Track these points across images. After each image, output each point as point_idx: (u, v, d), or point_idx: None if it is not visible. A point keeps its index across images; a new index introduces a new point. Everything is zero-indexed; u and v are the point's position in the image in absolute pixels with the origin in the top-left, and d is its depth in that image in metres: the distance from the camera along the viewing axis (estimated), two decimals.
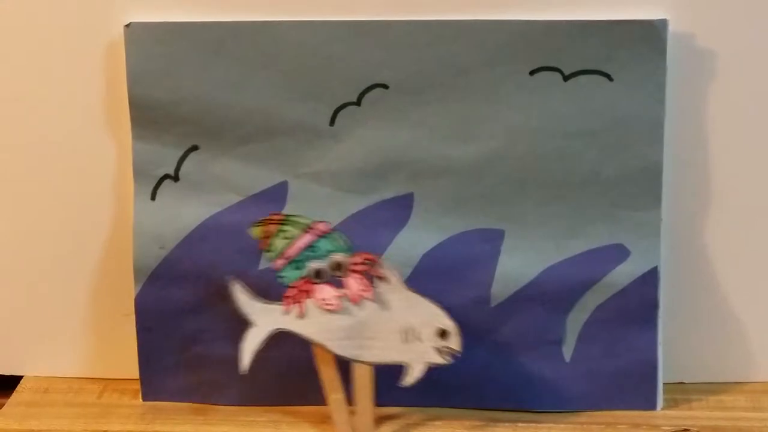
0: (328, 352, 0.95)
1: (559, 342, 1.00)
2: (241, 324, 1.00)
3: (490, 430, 0.99)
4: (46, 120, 1.01)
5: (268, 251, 0.95)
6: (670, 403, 1.02)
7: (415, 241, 0.99)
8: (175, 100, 0.97)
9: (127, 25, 0.96)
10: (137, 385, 1.03)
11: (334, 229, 0.94)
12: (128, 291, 1.01)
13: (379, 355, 0.95)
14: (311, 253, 0.94)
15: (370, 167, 0.98)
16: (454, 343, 0.94)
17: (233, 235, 0.99)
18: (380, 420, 1.01)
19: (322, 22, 0.96)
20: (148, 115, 0.98)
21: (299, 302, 0.95)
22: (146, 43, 0.96)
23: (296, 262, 0.94)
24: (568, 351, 1.01)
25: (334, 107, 0.97)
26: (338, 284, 0.94)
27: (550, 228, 0.98)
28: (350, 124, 0.97)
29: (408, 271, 0.99)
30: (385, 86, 0.97)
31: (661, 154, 0.96)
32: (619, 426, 0.99)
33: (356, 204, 0.98)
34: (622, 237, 0.98)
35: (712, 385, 1.04)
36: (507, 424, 1.00)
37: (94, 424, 1.01)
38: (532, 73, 0.96)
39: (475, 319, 0.99)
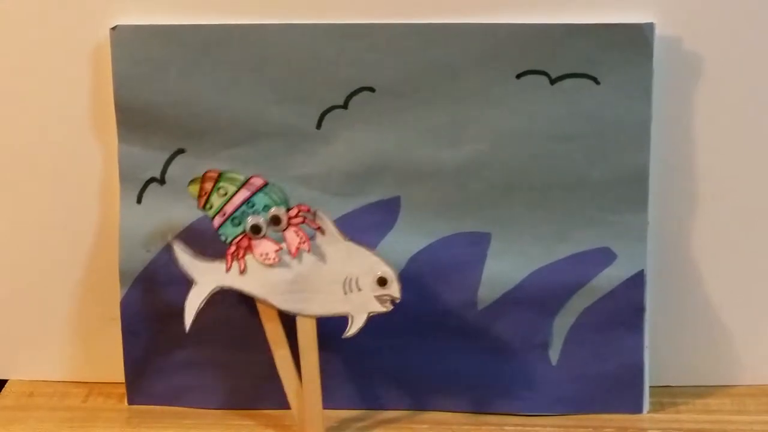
0: (271, 307, 0.95)
1: (545, 345, 1.00)
2: (228, 328, 1.00)
3: None
4: (32, 123, 1.00)
5: (207, 209, 0.94)
6: (657, 407, 1.02)
7: (402, 244, 0.99)
8: (161, 103, 0.97)
9: (113, 28, 0.96)
10: (123, 389, 1.03)
11: (269, 183, 0.94)
12: (114, 294, 1.01)
13: (322, 308, 0.95)
14: (249, 209, 0.94)
15: (357, 170, 0.98)
16: (394, 290, 0.94)
17: (220, 239, 0.98)
18: (365, 423, 1.01)
19: (309, 25, 0.96)
20: (134, 118, 0.98)
21: (240, 259, 0.94)
22: (132, 45, 0.96)
23: (234, 219, 0.94)
24: (554, 354, 1.01)
25: (321, 110, 0.97)
26: (278, 239, 0.94)
27: (537, 231, 0.99)
28: (337, 128, 0.97)
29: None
30: (372, 89, 0.96)
31: (647, 157, 0.97)
32: (606, 429, 0.99)
33: (343, 207, 0.98)
34: (609, 240, 0.98)
35: (699, 389, 1.04)
36: (494, 427, 1.00)
37: (79, 428, 1.01)
38: (518, 76, 0.96)
39: (462, 323, 1.00)
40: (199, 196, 0.94)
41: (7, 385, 1.07)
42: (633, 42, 0.94)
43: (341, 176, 0.98)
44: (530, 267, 0.99)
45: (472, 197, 0.98)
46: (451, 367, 1.00)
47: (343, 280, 0.94)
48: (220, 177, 0.94)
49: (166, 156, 0.99)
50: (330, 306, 0.94)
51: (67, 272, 1.04)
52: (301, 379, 0.97)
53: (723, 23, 0.95)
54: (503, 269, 0.99)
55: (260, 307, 0.96)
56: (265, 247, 0.94)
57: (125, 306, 1.01)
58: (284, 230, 0.94)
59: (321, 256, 0.94)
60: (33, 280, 1.04)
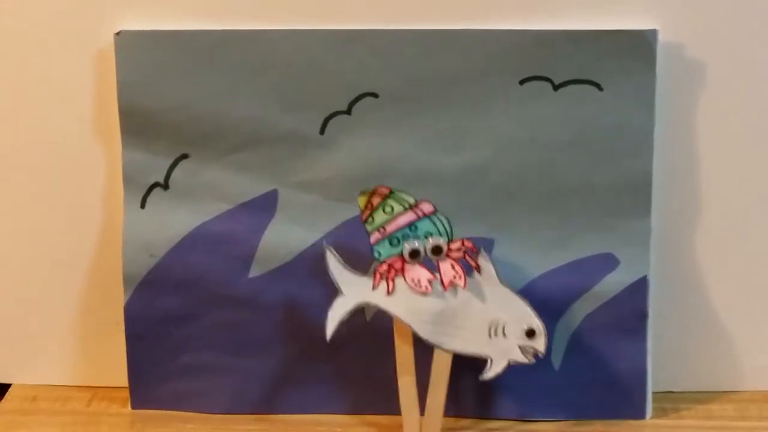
0: (410, 332, 0.94)
1: (548, 351, 1.00)
2: (231, 333, 1.00)
3: None
4: (36, 128, 1.00)
5: (368, 223, 0.93)
6: (659, 412, 1.02)
7: None
8: (165, 108, 0.97)
9: (118, 33, 0.96)
10: (126, 394, 1.03)
11: (436, 212, 0.93)
12: (117, 299, 1.01)
13: (463, 345, 0.93)
14: (410, 232, 0.93)
15: (360, 176, 0.98)
16: (540, 344, 0.93)
17: (223, 244, 0.99)
18: (362, 429, 1.01)
19: (312, 31, 0.96)
20: (138, 123, 0.98)
21: (390, 279, 0.94)
22: (136, 51, 0.96)
23: (393, 239, 0.93)
24: (557, 360, 1.01)
25: (325, 116, 0.97)
26: (432, 267, 0.93)
27: (540, 237, 0.99)
28: (340, 133, 0.97)
29: None
30: (375, 95, 0.97)
31: (650, 163, 0.97)
32: None
33: (346, 213, 0.98)
34: (612, 246, 0.99)
35: (701, 394, 1.04)
36: None
37: None
38: (522, 82, 0.96)
39: None
40: (364, 209, 0.93)
41: (10, 389, 1.07)
42: (636, 48, 0.94)
43: (344, 182, 0.98)
44: (533, 273, 0.99)
45: (475, 203, 0.98)
46: (454, 372, 1.00)
47: (490, 323, 0.93)
48: (390, 195, 0.93)
49: (170, 161, 0.99)
50: (472, 345, 0.94)
51: (70, 277, 1.04)
52: (424, 410, 0.96)
53: (726, 30, 0.95)
54: (506, 275, 0.99)
55: (397, 328, 0.95)
56: (418, 273, 0.93)
57: (129, 310, 1.01)
58: (441, 261, 0.93)
59: (474, 295, 0.93)
60: (37, 284, 1.05)
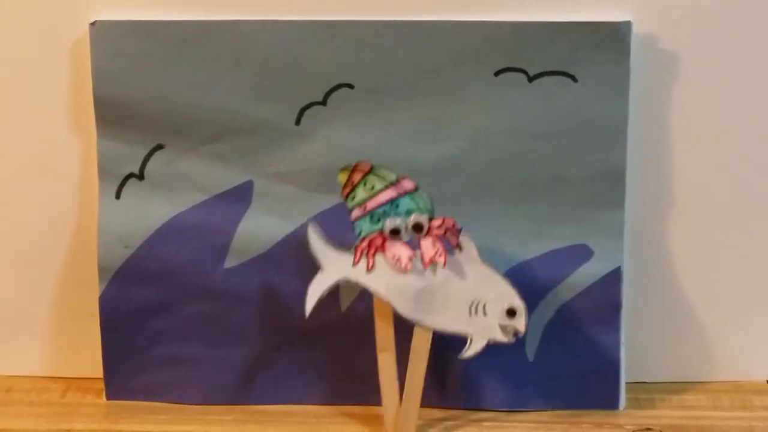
0: (390, 309, 0.94)
1: (522, 341, 1.01)
2: (206, 324, 1.00)
3: (453, 429, 1.00)
4: (10, 118, 1.00)
5: (349, 199, 0.93)
6: (633, 403, 1.02)
7: None
8: (140, 98, 0.97)
9: (93, 24, 0.96)
10: (101, 385, 1.03)
11: (418, 189, 0.93)
12: (93, 290, 1.01)
13: (443, 323, 0.93)
14: (391, 209, 0.93)
15: (336, 166, 0.97)
16: (520, 323, 0.93)
17: (198, 234, 0.99)
18: (343, 420, 1.01)
19: (288, 22, 0.96)
20: (113, 114, 0.98)
21: (370, 256, 0.93)
22: (111, 41, 0.96)
23: (374, 215, 0.93)
24: (531, 350, 1.01)
25: (300, 107, 0.97)
26: (413, 245, 0.93)
27: (515, 228, 0.99)
28: (316, 124, 0.98)
29: None
30: (351, 86, 0.97)
31: (624, 155, 0.97)
32: (582, 425, 1.00)
33: (321, 203, 0.98)
34: (586, 237, 0.99)
35: (674, 385, 1.05)
36: (471, 422, 1.00)
37: (57, 423, 1.01)
38: (497, 74, 0.96)
39: None
40: (345, 185, 0.93)
41: None
42: (610, 40, 0.95)
43: (320, 172, 0.98)
44: (508, 263, 0.99)
45: (451, 194, 0.98)
46: (428, 363, 1.00)
47: (471, 302, 0.93)
48: (371, 170, 0.92)
49: (145, 151, 0.99)
50: (452, 323, 0.93)
51: (45, 268, 1.04)
52: (403, 386, 0.96)
53: (699, 22, 0.96)
54: None
55: (377, 305, 0.94)
56: (399, 250, 0.93)
57: (104, 302, 1.00)
58: (422, 239, 0.93)
59: (454, 273, 0.93)
60: (11, 275, 1.04)
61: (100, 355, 1.02)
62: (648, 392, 1.04)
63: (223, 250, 0.99)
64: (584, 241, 0.99)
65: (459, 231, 0.93)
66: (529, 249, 0.99)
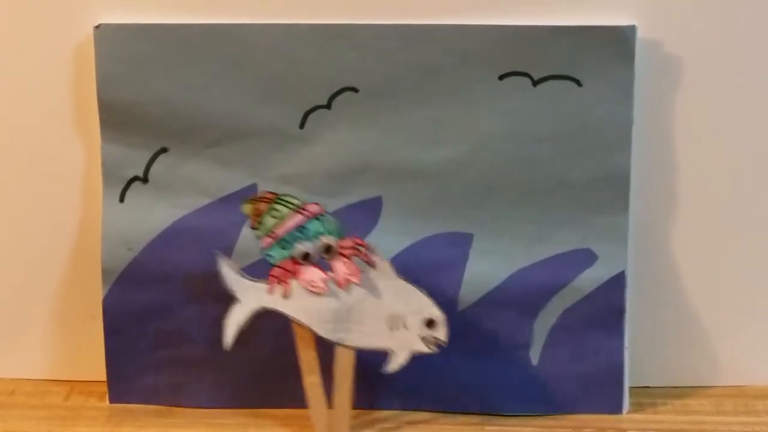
0: (311, 333, 0.94)
1: (526, 346, 1.01)
2: (209, 327, 1.00)
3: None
4: (15, 121, 1.00)
5: (257, 228, 0.94)
6: (636, 407, 1.02)
7: (383, 244, 0.99)
8: (144, 101, 0.97)
9: (97, 27, 0.96)
10: (104, 388, 1.03)
11: (325, 212, 0.94)
12: (96, 293, 1.01)
13: (364, 340, 0.94)
14: (300, 234, 0.93)
15: (340, 170, 0.98)
16: (441, 333, 0.94)
17: (202, 237, 0.99)
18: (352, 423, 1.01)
19: (292, 25, 0.96)
20: (117, 117, 0.98)
21: (284, 282, 0.94)
22: (116, 44, 0.96)
23: (284, 242, 0.93)
24: (535, 355, 1.01)
25: (304, 110, 0.97)
26: (326, 267, 0.94)
27: (519, 232, 0.99)
28: (320, 127, 0.98)
29: None
30: (355, 89, 0.97)
31: (628, 159, 0.97)
32: (586, 430, 1.00)
33: (325, 207, 0.98)
34: (590, 242, 0.99)
35: (678, 390, 1.04)
36: (475, 427, 1.00)
37: (60, 426, 1.01)
38: (501, 77, 0.96)
39: None
40: (252, 216, 0.93)
41: None
42: (615, 44, 0.95)
43: (323, 176, 0.98)
44: (512, 268, 0.99)
45: (454, 198, 0.98)
46: (432, 367, 1.00)
47: (390, 316, 0.94)
48: (276, 199, 0.93)
49: (149, 155, 0.99)
50: (373, 339, 0.94)
51: (49, 270, 1.04)
52: (332, 406, 0.96)
53: (704, 26, 0.96)
54: (485, 270, 0.99)
55: (297, 332, 0.95)
56: (312, 274, 0.93)
57: (107, 304, 1.01)
58: (334, 260, 0.93)
59: (370, 290, 0.94)
60: (15, 278, 1.04)
61: (103, 358, 1.02)
62: (651, 397, 1.04)
63: (227, 254, 0.99)
64: (588, 246, 0.99)
65: (370, 248, 0.94)
66: (533, 253, 0.99)
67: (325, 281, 0.93)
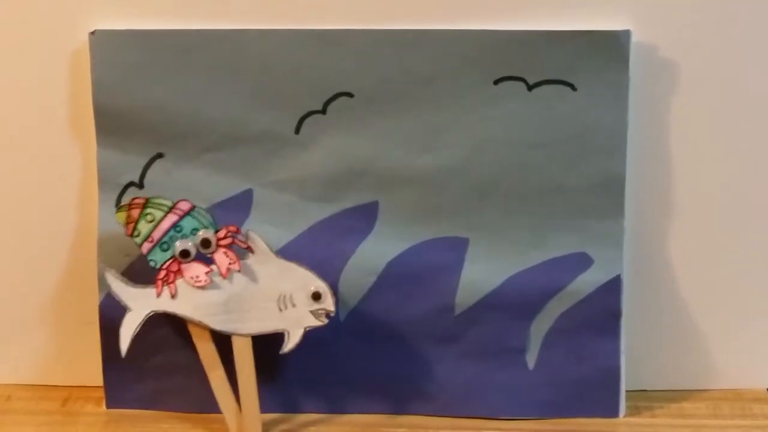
0: (205, 328, 0.96)
1: (522, 350, 1.01)
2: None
3: None
4: (11, 127, 1.00)
5: (135, 236, 0.95)
6: (633, 411, 1.02)
7: (379, 249, 0.99)
8: (140, 107, 0.97)
9: (92, 33, 0.96)
10: (101, 393, 1.03)
11: (195, 207, 0.95)
12: (93, 298, 1.01)
13: (257, 326, 0.95)
14: (177, 233, 0.95)
15: (335, 175, 0.98)
16: (328, 303, 0.95)
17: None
18: (342, 428, 1.01)
19: (287, 31, 0.96)
20: (112, 123, 0.98)
21: (170, 283, 0.95)
22: (111, 50, 0.96)
23: (163, 244, 0.95)
24: (531, 359, 1.01)
25: (300, 115, 0.97)
26: (207, 261, 0.95)
27: (515, 237, 0.99)
28: (315, 133, 0.98)
29: (372, 279, 0.99)
30: (350, 95, 0.97)
31: (624, 163, 0.97)
32: None
33: (321, 212, 0.99)
34: (586, 246, 0.99)
35: (674, 393, 1.05)
36: (471, 431, 1.00)
37: (57, 431, 1.01)
38: (496, 82, 0.96)
39: (439, 327, 1.00)
40: (127, 224, 0.95)
41: None
42: (609, 49, 0.95)
43: (319, 181, 0.98)
44: (507, 272, 0.99)
45: (450, 202, 0.98)
46: (429, 371, 1.00)
47: (278, 298, 0.95)
48: (147, 203, 0.94)
49: (145, 160, 0.99)
50: (265, 324, 0.95)
51: (45, 276, 1.04)
52: (239, 397, 0.97)
53: (698, 31, 0.96)
54: (481, 274, 0.99)
55: (192, 329, 0.96)
56: (195, 270, 0.95)
57: (104, 310, 1.01)
58: (214, 252, 0.95)
59: (253, 275, 0.95)
60: (12, 283, 1.04)
61: (100, 364, 1.02)
62: (648, 400, 1.04)
63: None
64: (584, 250, 0.99)
65: (246, 235, 0.95)
66: (529, 257, 0.99)
67: (208, 274, 0.95)
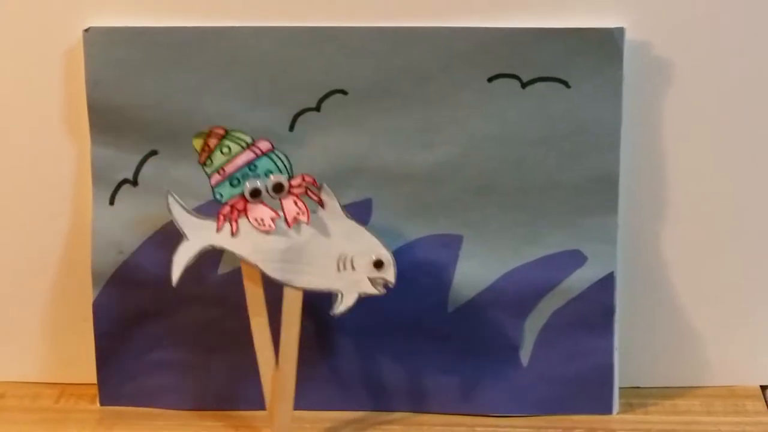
0: (258, 272, 0.93)
1: (516, 347, 1.01)
2: (200, 329, 1.00)
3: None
4: (4, 124, 1.00)
5: (207, 165, 0.93)
6: (626, 408, 1.03)
7: None
8: (134, 104, 0.97)
9: (86, 30, 0.96)
10: (95, 390, 1.03)
11: (275, 149, 0.93)
12: (86, 296, 1.01)
13: (312, 281, 0.93)
14: (250, 171, 0.92)
15: (329, 172, 0.98)
16: (389, 274, 0.93)
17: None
18: (336, 425, 1.01)
19: (281, 28, 0.96)
20: (107, 120, 0.98)
21: (233, 220, 0.93)
22: (105, 47, 0.96)
23: (233, 179, 0.92)
24: (525, 356, 1.01)
25: (294, 113, 0.97)
26: (275, 205, 0.93)
27: (508, 234, 0.99)
28: (310, 130, 0.98)
29: None
30: (344, 92, 0.97)
31: (617, 160, 0.97)
32: (576, 430, 1.00)
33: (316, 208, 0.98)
34: (579, 243, 0.99)
35: (667, 390, 1.05)
36: (465, 428, 1.00)
37: (51, 429, 1.01)
38: (490, 80, 0.96)
39: (433, 324, 1.00)
40: (201, 151, 0.92)
41: None
42: (603, 46, 0.95)
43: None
44: (501, 269, 0.99)
45: (444, 200, 0.98)
46: (422, 368, 1.01)
47: (338, 257, 0.93)
48: (226, 135, 0.92)
49: (139, 158, 0.99)
50: (321, 281, 0.93)
51: (39, 273, 1.04)
52: (278, 350, 0.95)
53: (692, 28, 0.96)
54: (475, 271, 0.99)
55: (245, 269, 0.94)
56: (261, 212, 0.92)
57: (97, 307, 1.01)
58: (284, 198, 0.92)
59: (319, 230, 0.93)
60: (5, 280, 1.04)
61: (93, 361, 1.02)
62: (641, 397, 1.04)
63: (216, 256, 0.99)
64: (577, 247, 0.99)
65: (320, 188, 0.93)
66: (523, 254, 0.99)
67: (273, 220, 0.92)
